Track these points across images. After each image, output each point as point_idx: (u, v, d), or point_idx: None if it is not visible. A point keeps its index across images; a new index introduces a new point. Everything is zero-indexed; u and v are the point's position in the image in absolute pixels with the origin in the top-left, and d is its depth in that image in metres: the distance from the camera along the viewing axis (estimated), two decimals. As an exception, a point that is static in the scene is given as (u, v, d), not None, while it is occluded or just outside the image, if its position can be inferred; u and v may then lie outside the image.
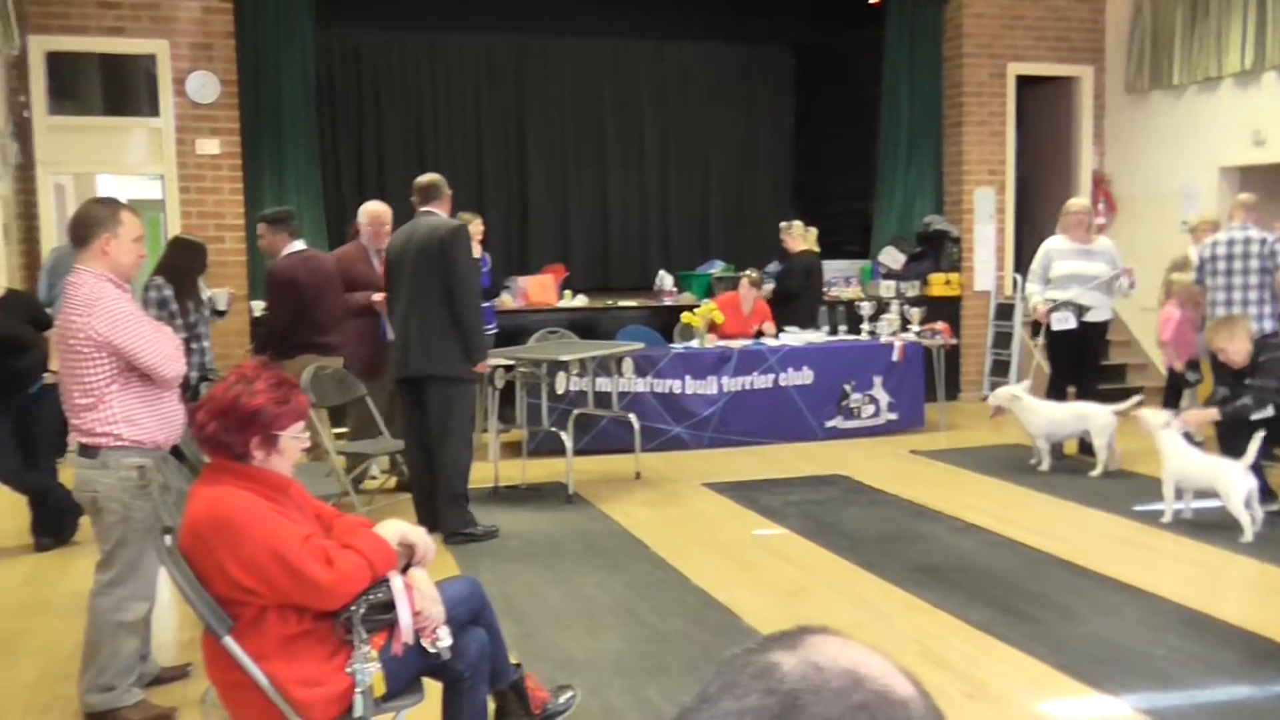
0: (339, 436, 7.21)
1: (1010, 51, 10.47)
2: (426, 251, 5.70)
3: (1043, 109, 11.09)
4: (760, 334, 8.72)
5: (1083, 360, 7.66)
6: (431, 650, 2.67)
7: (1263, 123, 9.10)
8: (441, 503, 5.76)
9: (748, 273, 8.99)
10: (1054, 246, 7.66)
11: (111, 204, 3.75)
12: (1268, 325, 6.79)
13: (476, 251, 7.64)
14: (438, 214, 5.94)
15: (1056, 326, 7.53)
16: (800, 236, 9.04)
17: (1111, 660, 4.12)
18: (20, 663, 4.23)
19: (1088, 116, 10.82)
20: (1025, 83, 10.71)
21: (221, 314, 6.69)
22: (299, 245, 6.48)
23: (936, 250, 10.56)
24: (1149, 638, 4.36)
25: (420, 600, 2.67)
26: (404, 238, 5.90)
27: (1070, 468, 7.38)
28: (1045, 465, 7.28)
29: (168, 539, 2.76)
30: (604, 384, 7.74)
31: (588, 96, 11.64)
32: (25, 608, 4.89)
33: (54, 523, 5.77)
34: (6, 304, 5.41)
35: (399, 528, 2.83)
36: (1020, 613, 4.66)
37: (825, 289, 9.71)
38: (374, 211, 6.80)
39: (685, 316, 8.64)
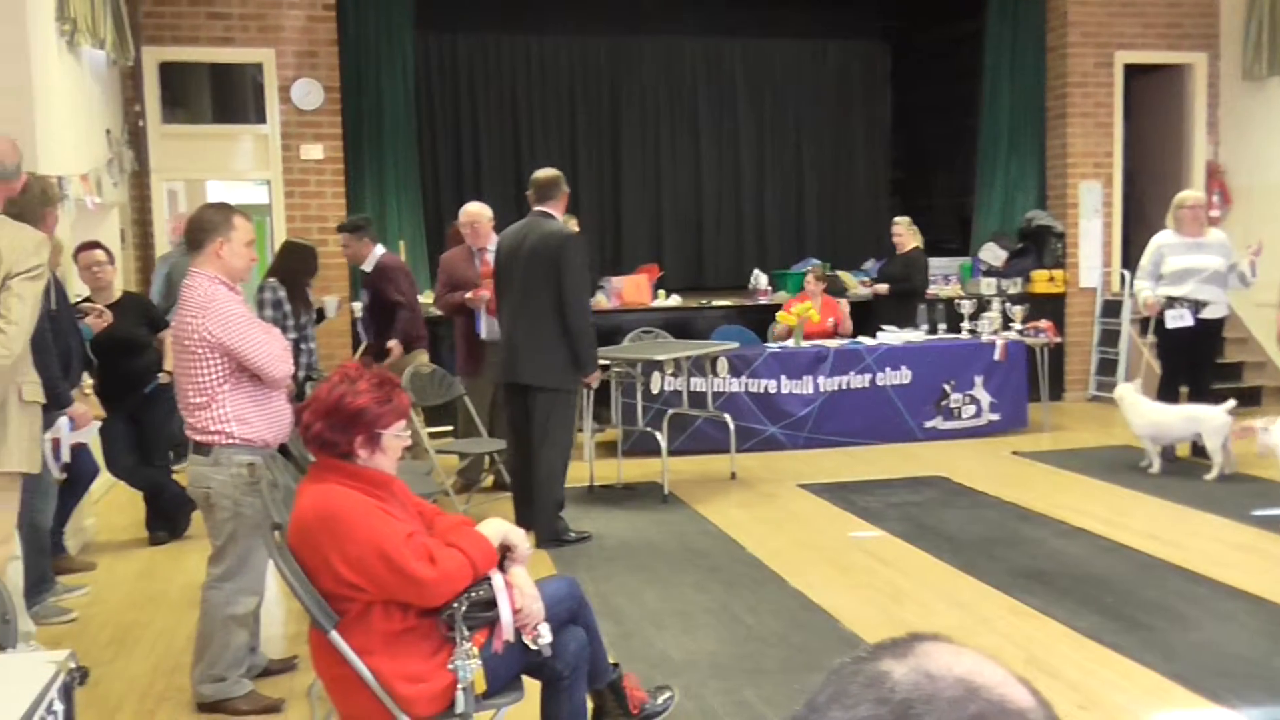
0: (442, 435, 7.36)
1: (1118, 39, 10.15)
2: (538, 259, 5.61)
3: (1153, 98, 10.73)
4: (836, 330, 8.59)
5: (1198, 359, 7.37)
6: (533, 647, 2.68)
7: (1391, 109, 8.66)
8: (537, 509, 5.75)
9: (812, 267, 8.88)
10: (1165, 241, 7.39)
11: (225, 209, 3.86)
12: None
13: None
14: (552, 215, 5.83)
15: (1171, 325, 7.24)
16: (912, 232, 8.90)
17: (1229, 671, 3.95)
18: (136, 653, 4.38)
19: (1201, 105, 10.43)
20: (1134, 71, 10.37)
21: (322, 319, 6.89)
22: (381, 250, 6.73)
23: (1039, 246, 10.29)
24: (1269, 648, 4.18)
25: (520, 598, 2.69)
26: (515, 239, 5.80)
27: (1184, 470, 7.12)
28: (1156, 467, 7.04)
29: (276, 535, 2.83)
30: (698, 384, 7.72)
31: (681, 95, 11.63)
32: (141, 600, 5.06)
33: (168, 517, 5.97)
34: (123, 306, 5.60)
35: (500, 527, 2.85)
36: (1132, 620, 4.51)
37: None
38: (471, 212, 6.86)
39: (780, 315, 8.57)
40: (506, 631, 2.64)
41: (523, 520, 5.74)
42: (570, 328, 5.58)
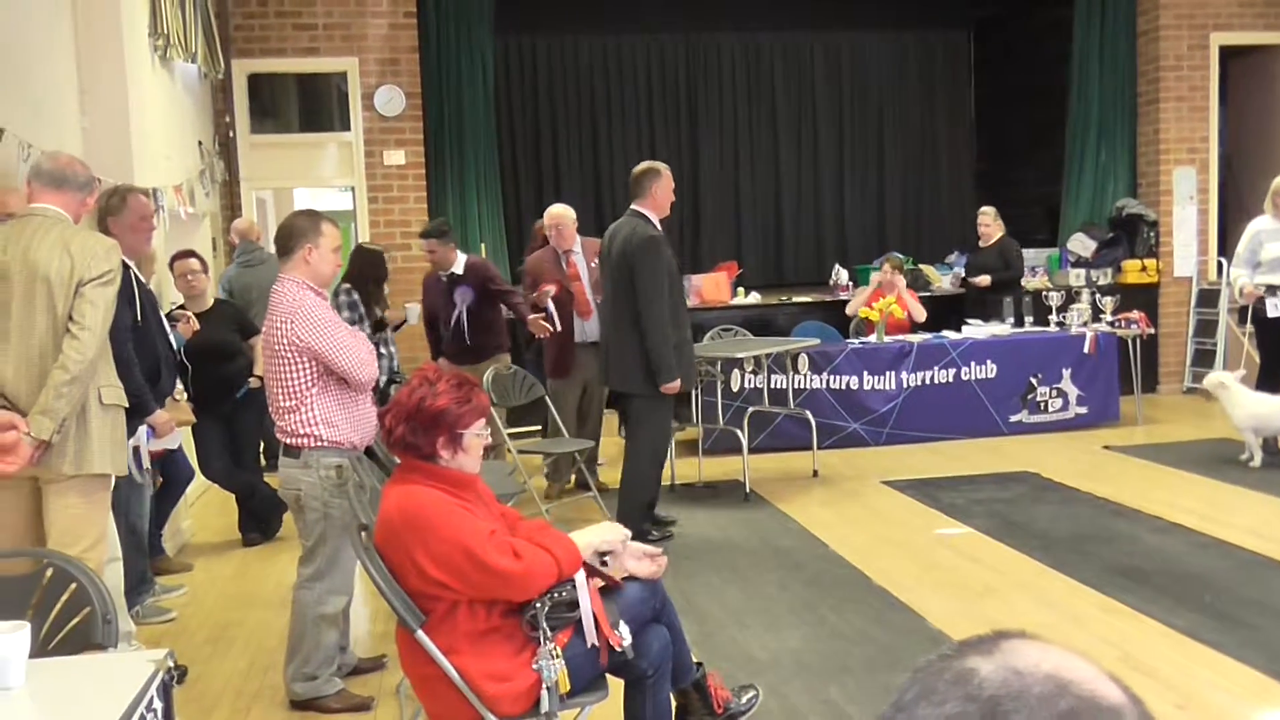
0: (527, 435, 7.43)
1: (1213, 20, 9.81)
2: (623, 261, 5.53)
3: (1250, 80, 10.36)
4: (914, 323, 8.45)
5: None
6: (617, 651, 2.70)
7: None
8: (619, 511, 5.72)
9: (888, 258, 8.72)
10: (1263, 227, 7.15)
11: (313, 216, 3.95)
12: None
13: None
14: (644, 213, 5.62)
15: (1272, 314, 7.02)
16: (999, 222, 8.74)
17: (1337, 672, 3.81)
18: (231, 652, 4.51)
19: (1301, 86, 10.04)
20: (1230, 53, 10.02)
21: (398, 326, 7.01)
22: (463, 255, 6.84)
23: (1131, 235, 10.01)
24: (1381, 649, 4.01)
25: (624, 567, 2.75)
26: (609, 240, 5.72)
27: (1286, 464, 6.87)
28: (1257, 461, 6.80)
29: (363, 535, 2.89)
30: (779, 381, 7.67)
31: (759, 91, 11.57)
32: (235, 600, 5.21)
33: (260, 519, 6.13)
34: (215, 314, 5.76)
35: (592, 535, 2.90)
36: (1232, 618, 4.37)
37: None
38: (555, 214, 6.85)
39: (862, 311, 8.47)
40: (589, 636, 2.67)
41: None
42: (644, 335, 5.45)
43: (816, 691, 3.81)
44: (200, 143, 7.90)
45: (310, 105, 9.69)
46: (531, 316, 6.63)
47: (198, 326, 5.42)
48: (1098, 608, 4.58)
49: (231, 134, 8.83)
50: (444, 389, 2.82)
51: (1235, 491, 6.39)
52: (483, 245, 9.29)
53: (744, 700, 3.25)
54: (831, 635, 4.38)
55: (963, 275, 9.13)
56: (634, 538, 5.55)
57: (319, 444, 3.73)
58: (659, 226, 5.66)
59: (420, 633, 2.64)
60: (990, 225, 8.71)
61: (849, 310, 8.78)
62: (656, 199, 5.65)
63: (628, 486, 5.78)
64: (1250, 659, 3.94)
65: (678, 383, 5.58)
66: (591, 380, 6.66)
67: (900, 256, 9.27)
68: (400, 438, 2.81)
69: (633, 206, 5.69)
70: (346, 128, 9.14)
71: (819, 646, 4.25)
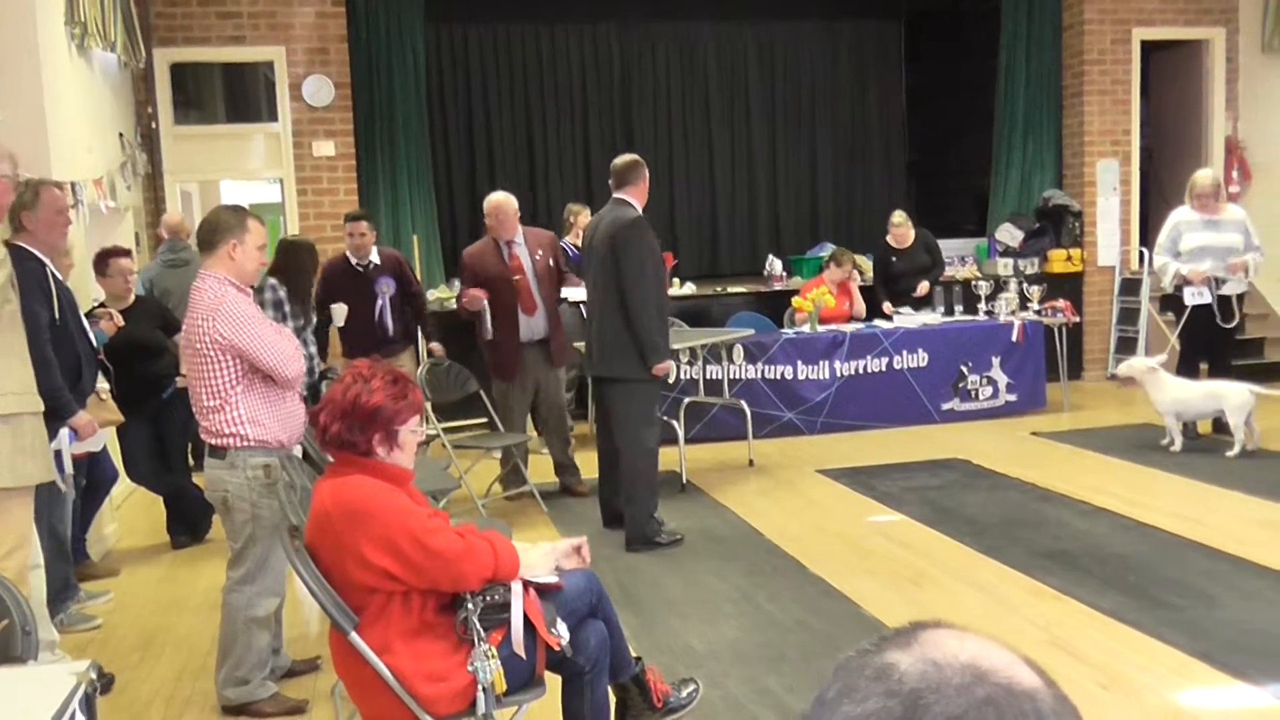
0: (460, 430, 7.35)
1: (1135, 15, 10.03)
2: (605, 247, 5.49)
3: (1171, 74, 10.61)
4: (851, 313, 8.54)
5: (1217, 336, 7.31)
6: (555, 649, 2.69)
7: None
8: (627, 512, 5.63)
9: (843, 254, 8.80)
10: (1182, 218, 7.32)
11: (239, 211, 3.87)
12: None
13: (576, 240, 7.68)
14: (629, 203, 5.60)
15: (1191, 301, 7.21)
16: (909, 221, 8.80)
17: (1255, 649, 3.93)
18: (161, 658, 4.41)
19: (1219, 81, 10.30)
20: (1151, 48, 10.26)
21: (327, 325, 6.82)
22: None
23: (1056, 226, 10.21)
24: (1296, 626, 4.15)
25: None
26: (592, 229, 5.72)
27: (1205, 448, 7.06)
28: (1177, 445, 6.98)
29: (294, 537, 2.84)
30: (714, 371, 7.71)
31: (693, 81, 11.56)
32: (164, 605, 5.09)
33: (189, 521, 6.00)
34: (137, 310, 5.62)
35: (548, 554, 2.89)
36: (1155, 599, 4.48)
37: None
38: (494, 203, 6.49)
39: (796, 301, 8.54)
40: (517, 645, 2.65)
41: (607, 519, 5.83)
42: (630, 317, 5.42)
43: (754, 681, 3.84)
44: (121, 134, 7.69)
45: (236, 95, 9.49)
46: (464, 300, 6.44)
47: (122, 323, 5.27)
48: (1027, 591, 4.67)
49: (154, 125, 8.62)
50: (379, 385, 2.79)
51: (1156, 475, 6.55)
52: (415, 238, 9.19)
53: (684, 694, 3.25)
54: (769, 624, 4.41)
55: (884, 287, 8.87)
56: (643, 540, 5.48)
57: (245, 444, 3.66)
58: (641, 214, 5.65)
59: (354, 634, 2.60)
60: (903, 226, 8.77)
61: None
62: (640, 188, 5.66)
63: (629, 485, 5.61)
64: (1171, 639, 4.05)
65: (669, 363, 5.62)
66: (545, 379, 6.56)
67: (847, 251, 9.29)
68: (335, 435, 2.77)
69: (616, 195, 5.64)
70: (274, 118, 8.97)
71: (756, 636, 4.28)
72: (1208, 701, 3.63)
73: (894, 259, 8.83)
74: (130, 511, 6.66)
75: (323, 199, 9.00)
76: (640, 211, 5.62)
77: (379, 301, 6.67)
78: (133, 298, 5.72)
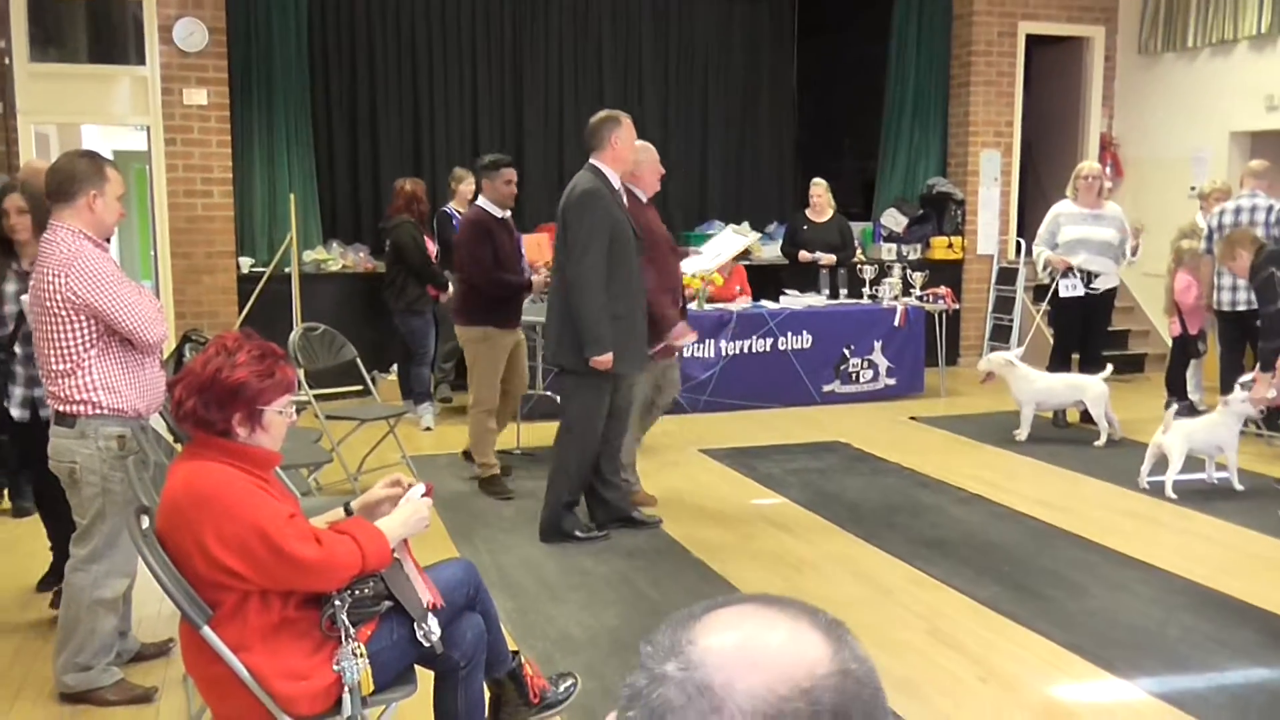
0: (336, 398, 7.05)
1: (1022, 9, 10.22)
2: (559, 219, 4.95)
3: (1052, 70, 10.85)
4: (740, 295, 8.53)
5: (1089, 328, 7.52)
6: (424, 645, 2.52)
7: (1277, 87, 8.89)
8: (544, 505, 5.23)
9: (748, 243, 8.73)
10: (1063, 210, 7.49)
11: (96, 158, 3.55)
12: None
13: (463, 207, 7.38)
14: (600, 168, 4.95)
15: (1064, 294, 7.40)
16: (829, 195, 8.82)
17: (1124, 641, 4.01)
18: (-4, 635, 4.08)
19: (1098, 78, 10.59)
20: (1035, 42, 10.47)
21: None
22: None
23: (939, 213, 10.37)
24: (1162, 617, 4.25)
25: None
26: (562, 198, 5.06)
27: (1072, 438, 7.26)
28: (1024, 435, 7.18)
29: (145, 520, 2.60)
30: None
31: (586, 49, 11.34)
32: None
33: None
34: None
35: (396, 525, 2.65)
36: (1029, 589, 4.55)
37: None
38: (648, 145, 5.66)
39: (686, 279, 8.43)
40: (433, 634, 2.48)
41: (593, 506, 5.37)
42: (570, 301, 4.83)
43: (634, 670, 3.73)
44: (-31, 69, 7.12)
45: (101, 34, 8.89)
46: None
47: None
48: (907, 580, 4.69)
49: (8, 61, 8.00)
50: (244, 360, 2.54)
51: (1028, 463, 6.70)
52: (292, 196, 8.78)
53: (561, 689, 3.12)
54: (650, 611, 4.32)
55: (793, 248, 8.93)
56: (556, 533, 5.10)
57: (98, 411, 3.38)
58: (618, 182, 5.01)
59: (206, 629, 2.38)
60: (823, 197, 8.77)
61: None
62: (617, 150, 4.97)
63: (552, 476, 5.22)
64: (1044, 629, 4.10)
65: (608, 356, 4.81)
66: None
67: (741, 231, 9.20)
68: (190, 411, 2.52)
69: (590, 160, 5.03)
70: (142, 61, 8.43)
71: (637, 623, 4.17)
72: (1081, 695, 3.68)
73: (804, 228, 8.82)
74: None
75: (193, 150, 8.53)
76: (615, 180, 4.99)
77: (524, 253, 6.25)
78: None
